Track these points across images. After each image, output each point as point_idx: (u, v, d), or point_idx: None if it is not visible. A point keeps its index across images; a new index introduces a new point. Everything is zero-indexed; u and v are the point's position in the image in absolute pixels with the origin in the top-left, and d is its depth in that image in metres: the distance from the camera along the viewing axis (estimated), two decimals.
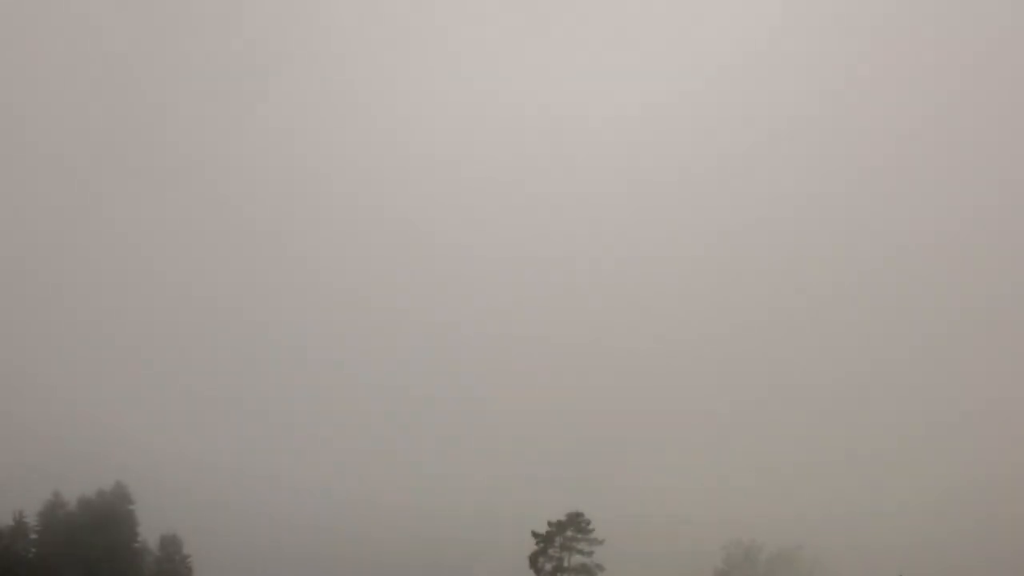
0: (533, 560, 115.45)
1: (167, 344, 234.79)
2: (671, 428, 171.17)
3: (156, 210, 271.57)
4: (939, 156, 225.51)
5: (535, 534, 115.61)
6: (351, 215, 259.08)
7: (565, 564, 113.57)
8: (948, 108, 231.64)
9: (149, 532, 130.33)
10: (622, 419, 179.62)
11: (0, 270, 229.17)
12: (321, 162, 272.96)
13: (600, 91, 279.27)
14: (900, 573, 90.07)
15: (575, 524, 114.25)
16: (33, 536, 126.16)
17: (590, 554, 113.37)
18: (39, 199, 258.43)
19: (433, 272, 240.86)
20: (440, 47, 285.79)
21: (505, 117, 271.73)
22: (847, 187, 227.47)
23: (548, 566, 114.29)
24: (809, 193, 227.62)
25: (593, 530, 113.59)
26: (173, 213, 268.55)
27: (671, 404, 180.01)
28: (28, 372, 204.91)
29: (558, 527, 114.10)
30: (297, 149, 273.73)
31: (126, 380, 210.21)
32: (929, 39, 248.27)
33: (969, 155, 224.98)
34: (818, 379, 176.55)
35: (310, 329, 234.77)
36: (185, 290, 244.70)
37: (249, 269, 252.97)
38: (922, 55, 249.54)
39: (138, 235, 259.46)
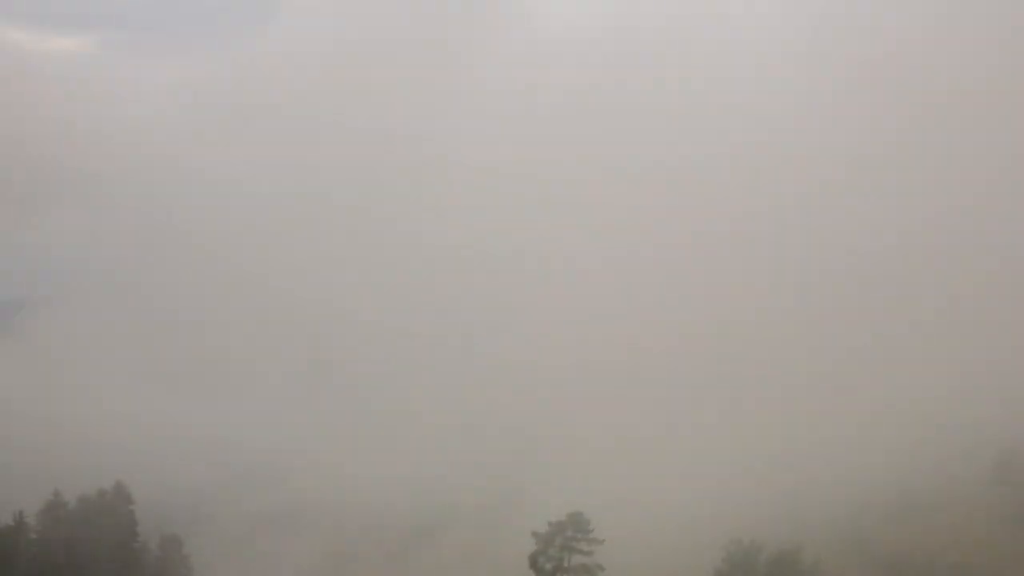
0: (533, 560, 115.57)
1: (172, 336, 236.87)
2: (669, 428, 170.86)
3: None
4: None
5: (535, 534, 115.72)
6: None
7: (565, 564, 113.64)
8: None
9: (149, 532, 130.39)
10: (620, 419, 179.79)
11: None
12: None
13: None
14: None
15: (575, 524, 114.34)
16: (33, 536, 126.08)
17: (590, 554, 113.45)
18: None
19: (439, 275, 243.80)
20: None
21: None
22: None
23: (548, 566, 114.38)
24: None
25: (593, 530, 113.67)
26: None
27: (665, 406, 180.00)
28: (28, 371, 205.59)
29: (558, 527, 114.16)
30: None
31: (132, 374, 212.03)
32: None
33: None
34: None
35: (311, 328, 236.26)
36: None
37: (256, 271, 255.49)
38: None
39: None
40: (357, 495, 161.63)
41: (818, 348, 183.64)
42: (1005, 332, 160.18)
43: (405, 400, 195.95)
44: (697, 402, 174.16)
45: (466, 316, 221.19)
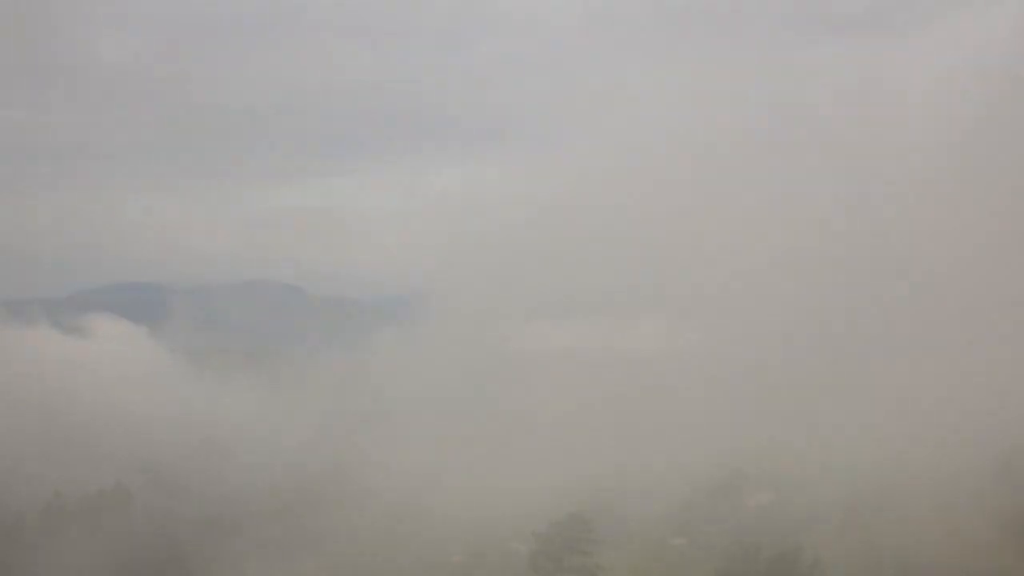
0: (533, 560, 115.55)
1: None
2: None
3: None
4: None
5: (535, 534, 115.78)
6: None
7: (565, 564, 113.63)
8: None
9: (149, 532, 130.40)
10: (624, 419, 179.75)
11: None
12: None
13: None
14: None
15: (575, 524, 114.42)
16: (33, 536, 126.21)
17: (590, 554, 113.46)
18: None
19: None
20: None
21: None
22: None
23: (548, 566, 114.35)
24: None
25: (593, 530, 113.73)
26: None
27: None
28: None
29: (558, 527, 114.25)
30: None
31: None
32: None
33: None
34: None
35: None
36: None
37: None
38: None
39: None
40: None
41: (820, 349, 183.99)
42: (1006, 333, 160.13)
43: None
44: (702, 399, 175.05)
45: None
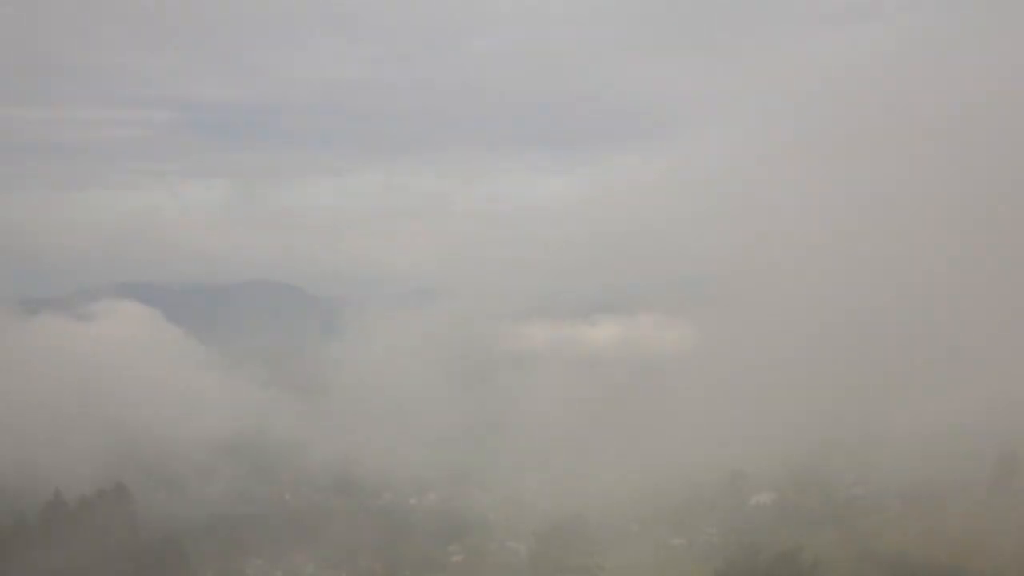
0: (533, 560, 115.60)
1: None
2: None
3: None
4: None
5: (535, 534, 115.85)
6: None
7: (565, 564, 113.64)
8: None
9: (149, 532, 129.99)
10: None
11: None
12: None
13: None
14: None
15: (575, 524, 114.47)
16: (33, 536, 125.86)
17: (590, 554, 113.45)
18: None
19: None
20: None
21: None
22: None
23: (548, 566, 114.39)
24: None
25: (593, 530, 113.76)
26: None
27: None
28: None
29: (558, 527, 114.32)
30: None
31: None
32: None
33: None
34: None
35: None
36: None
37: None
38: None
39: None
40: None
41: (820, 349, 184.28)
42: (1006, 334, 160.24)
43: None
44: (702, 399, 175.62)
45: None
